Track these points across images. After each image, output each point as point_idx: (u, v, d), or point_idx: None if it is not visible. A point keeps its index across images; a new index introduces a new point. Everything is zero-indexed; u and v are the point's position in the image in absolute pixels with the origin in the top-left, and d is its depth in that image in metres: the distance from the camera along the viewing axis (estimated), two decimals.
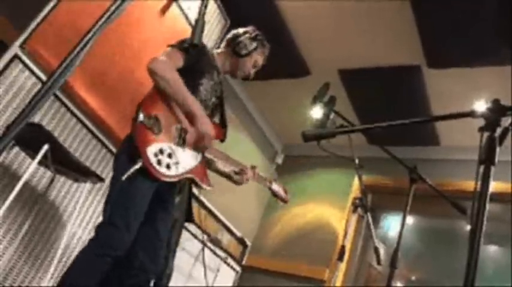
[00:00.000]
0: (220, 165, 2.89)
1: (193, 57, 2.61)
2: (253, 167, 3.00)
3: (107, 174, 3.31)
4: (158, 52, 3.52)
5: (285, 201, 3.22)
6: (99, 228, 2.29)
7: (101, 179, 2.96)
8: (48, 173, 2.94)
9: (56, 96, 2.97)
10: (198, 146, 2.55)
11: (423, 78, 4.38)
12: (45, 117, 2.91)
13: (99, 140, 3.26)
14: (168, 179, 2.37)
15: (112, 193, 2.37)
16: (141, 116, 2.33)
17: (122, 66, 3.32)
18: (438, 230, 5.43)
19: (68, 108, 3.05)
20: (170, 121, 2.48)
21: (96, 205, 3.27)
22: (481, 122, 1.41)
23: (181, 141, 2.49)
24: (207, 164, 2.75)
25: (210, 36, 4.01)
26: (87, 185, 3.10)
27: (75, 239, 3.15)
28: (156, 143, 2.35)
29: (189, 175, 2.52)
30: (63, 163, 2.73)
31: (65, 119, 3.04)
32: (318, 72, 4.67)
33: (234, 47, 2.88)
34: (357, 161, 2.98)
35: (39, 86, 2.78)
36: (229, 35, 2.97)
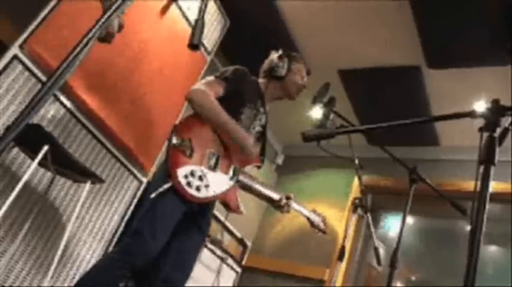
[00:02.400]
0: (259, 189, 2.91)
1: (234, 86, 2.68)
2: (288, 198, 2.99)
3: (107, 175, 3.31)
4: (157, 52, 3.54)
5: (323, 232, 3.19)
6: (123, 235, 2.38)
7: (101, 180, 2.96)
8: (48, 174, 2.94)
9: (56, 97, 2.97)
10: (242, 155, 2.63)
11: (423, 78, 4.38)
12: (45, 118, 2.91)
13: (99, 140, 3.25)
14: (196, 201, 2.48)
15: (142, 206, 2.49)
16: (174, 139, 2.46)
17: (122, 66, 3.32)
18: (438, 230, 5.42)
19: (68, 109, 3.05)
20: (204, 145, 2.57)
21: (95, 205, 3.26)
22: (481, 122, 1.41)
23: (214, 165, 2.55)
24: (246, 188, 2.86)
25: (210, 37, 4.01)
26: (87, 186, 3.09)
27: (75, 239, 3.14)
28: (188, 166, 2.46)
29: (218, 198, 2.62)
30: (63, 163, 2.73)
31: (64, 120, 3.03)
32: (318, 72, 4.66)
33: (273, 74, 2.95)
34: (356, 161, 2.98)
35: (38, 86, 2.78)
36: (263, 68, 3.05)
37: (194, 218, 2.59)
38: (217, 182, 2.58)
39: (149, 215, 2.37)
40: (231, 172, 2.68)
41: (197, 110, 2.55)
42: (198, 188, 2.45)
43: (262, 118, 2.94)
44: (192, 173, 2.44)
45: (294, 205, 2.99)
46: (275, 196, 2.94)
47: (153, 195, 2.34)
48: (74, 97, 3.05)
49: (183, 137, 2.48)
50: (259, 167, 2.93)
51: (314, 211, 3.16)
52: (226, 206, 2.70)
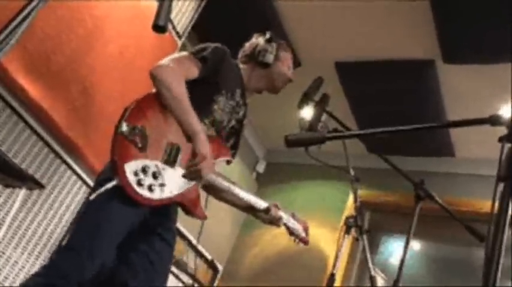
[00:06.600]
0: (235, 195, 2.85)
1: (211, 69, 2.65)
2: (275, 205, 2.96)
3: (48, 178, 3.27)
4: (117, 32, 3.52)
5: (305, 242, 3.15)
6: (54, 253, 2.28)
7: (40, 185, 2.93)
8: None
9: None
10: (192, 171, 2.50)
11: (437, 75, 4.40)
12: None
13: (40, 137, 3.22)
14: (149, 203, 2.37)
15: (80, 212, 2.38)
16: (123, 126, 2.32)
17: (72, 48, 3.29)
18: (450, 259, 5.46)
19: (1, 97, 3.01)
20: (160, 134, 2.46)
21: (32, 216, 3.22)
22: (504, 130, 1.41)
23: (172, 159, 2.48)
24: (217, 193, 2.82)
25: (182, 18, 4.00)
26: (22, 192, 3.06)
27: (3, 259, 3.10)
28: (139, 160, 2.34)
29: (176, 200, 2.52)
30: None
31: None
32: (310, 64, 4.68)
33: (257, 59, 2.91)
34: (352, 172, 2.98)
35: None
36: (244, 51, 3.01)
37: (153, 228, 2.54)
38: (175, 180, 2.51)
39: (87, 226, 2.26)
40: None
41: (161, 91, 2.48)
42: (150, 188, 2.36)
43: (240, 111, 2.91)
44: (144, 169, 2.33)
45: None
46: (255, 202, 2.91)
47: (92, 197, 2.22)
48: (9, 82, 3.01)
49: (135, 123, 2.36)
50: (228, 163, 2.89)
51: (293, 216, 3.10)
52: (185, 209, 2.62)
